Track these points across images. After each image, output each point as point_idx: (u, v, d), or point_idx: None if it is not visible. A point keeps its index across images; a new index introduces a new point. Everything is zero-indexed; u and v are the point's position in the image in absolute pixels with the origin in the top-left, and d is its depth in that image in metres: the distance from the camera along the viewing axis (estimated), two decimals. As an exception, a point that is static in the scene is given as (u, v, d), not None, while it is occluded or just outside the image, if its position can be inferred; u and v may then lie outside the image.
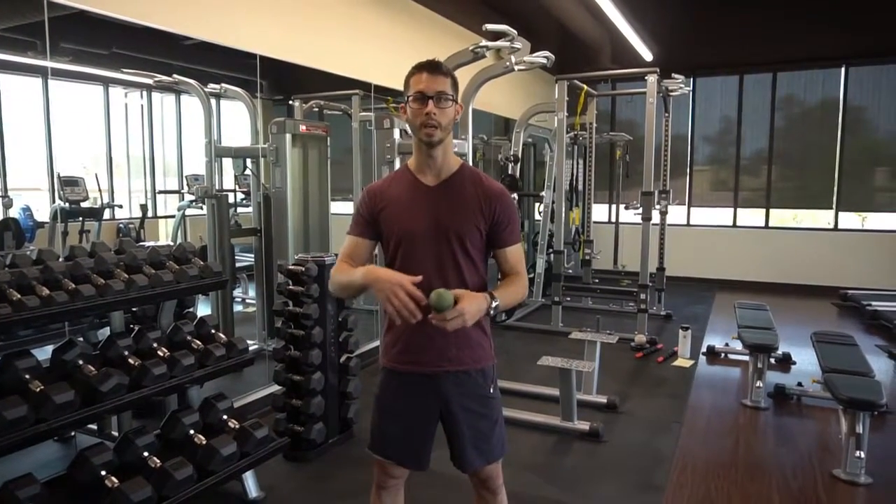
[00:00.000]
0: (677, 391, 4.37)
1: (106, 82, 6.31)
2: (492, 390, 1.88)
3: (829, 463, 3.26)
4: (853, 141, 7.91)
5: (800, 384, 4.30)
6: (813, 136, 8.18)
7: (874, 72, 7.78)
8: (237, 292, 6.64)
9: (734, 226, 8.49)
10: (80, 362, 2.46)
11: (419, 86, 1.74)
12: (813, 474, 3.19)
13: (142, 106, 8.24)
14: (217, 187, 4.68)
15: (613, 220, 8.66)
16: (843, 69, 7.80)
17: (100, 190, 7.27)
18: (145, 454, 2.46)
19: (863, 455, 3.09)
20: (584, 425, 3.56)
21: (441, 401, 1.82)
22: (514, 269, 1.83)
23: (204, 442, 2.60)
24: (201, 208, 5.55)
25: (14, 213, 6.69)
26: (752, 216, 8.51)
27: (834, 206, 8.00)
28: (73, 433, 3.43)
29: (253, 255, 5.13)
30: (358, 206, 1.87)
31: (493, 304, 1.69)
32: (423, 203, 1.79)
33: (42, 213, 7.08)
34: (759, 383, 4.10)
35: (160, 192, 8.37)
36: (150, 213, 8.25)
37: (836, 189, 7.96)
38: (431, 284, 1.67)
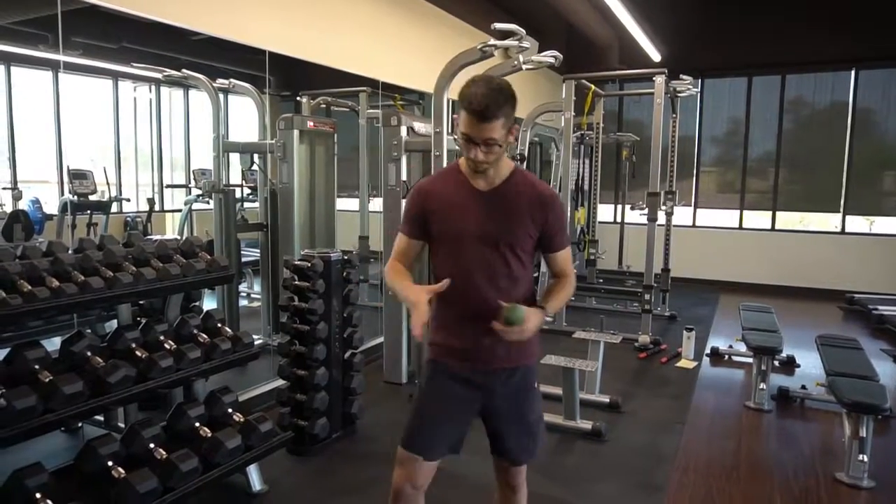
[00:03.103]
0: (680, 392, 4.37)
1: (115, 76, 6.36)
2: (535, 386, 1.96)
3: (832, 466, 3.26)
4: (861, 144, 7.88)
5: (803, 387, 4.29)
6: (821, 139, 8.14)
7: (884, 75, 7.74)
8: (243, 287, 6.68)
9: (740, 228, 8.47)
10: (89, 354, 2.48)
11: (467, 129, 1.71)
12: (815, 477, 3.19)
13: (150, 100, 8.28)
14: (224, 182, 4.70)
15: (619, 220, 8.64)
16: (853, 72, 7.76)
17: (108, 183, 7.31)
18: (151, 446, 2.48)
19: (866, 459, 3.09)
20: (586, 424, 3.56)
21: (488, 396, 1.85)
22: (563, 271, 1.90)
23: (209, 435, 2.63)
24: (208, 203, 5.58)
25: (23, 205, 6.75)
26: (758, 219, 8.48)
27: (841, 210, 7.97)
28: (80, 424, 3.46)
29: (259, 251, 5.16)
30: (408, 204, 1.90)
31: (549, 319, 1.79)
32: (474, 208, 1.80)
33: (51, 206, 7.13)
34: (762, 385, 4.10)
35: (167, 186, 8.41)
36: (157, 207, 8.30)
37: (843, 192, 7.93)
38: (480, 287, 1.77)
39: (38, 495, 2.14)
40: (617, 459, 3.33)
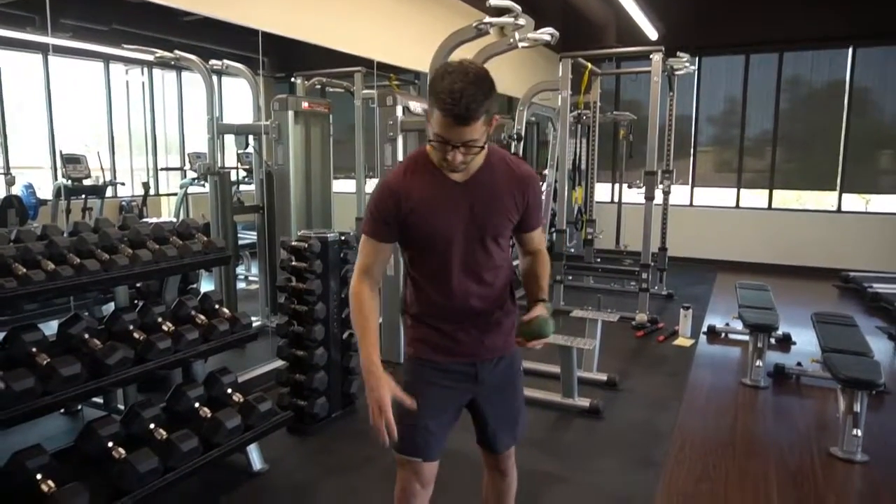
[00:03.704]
0: (677, 370, 4.40)
1: (106, 59, 6.28)
2: (520, 373, 1.93)
3: (827, 441, 3.29)
4: (859, 123, 7.85)
5: (799, 364, 4.32)
6: (818, 118, 8.12)
7: (882, 53, 7.68)
8: (240, 270, 6.67)
9: (737, 207, 8.48)
10: (86, 336, 2.48)
11: (443, 132, 1.51)
12: (810, 452, 3.23)
13: (143, 83, 8.20)
14: (219, 165, 4.67)
15: (616, 200, 8.64)
16: (850, 50, 7.71)
17: (102, 168, 7.27)
18: (151, 426, 2.49)
19: (860, 433, 3.12)
20: (584, 402, 3.59)
21: (476, 386, 1.79)
22: (537, 248, 1.85)
23: (209, 415, 2.64)
24: (204, 186, 5.55)
25: (17, 190, 6.70)
26: (755, 198, 8.48)
27: (838, 188, 7.97)
28: (79, 407, 3.48)
29: (255, 233, 5.15)
30: (376, 205, 1.65)
31: (550, 308, 1.76)
32: (454, 203, 1.64)
33: (45, 191, 7.09)
34: (758, 362, 4.13)
35: (163, 169, 8.35)
36: (152, 191, 8.26)
37: (840, 171, 7.92)
38: (463, 283, 1.69)
39: (38, 476, 2.14)
40: (614, 436, 3.36)
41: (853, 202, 8.15)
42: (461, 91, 1.45)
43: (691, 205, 8.69)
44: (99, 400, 3.36)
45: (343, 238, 3.43)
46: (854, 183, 7.98)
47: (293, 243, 3.28)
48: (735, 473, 3.00)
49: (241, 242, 6.43)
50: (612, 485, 2.85)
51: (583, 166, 7.24)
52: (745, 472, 3.01)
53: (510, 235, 1.79)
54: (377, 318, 1.73)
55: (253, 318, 3.16)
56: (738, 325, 5.20)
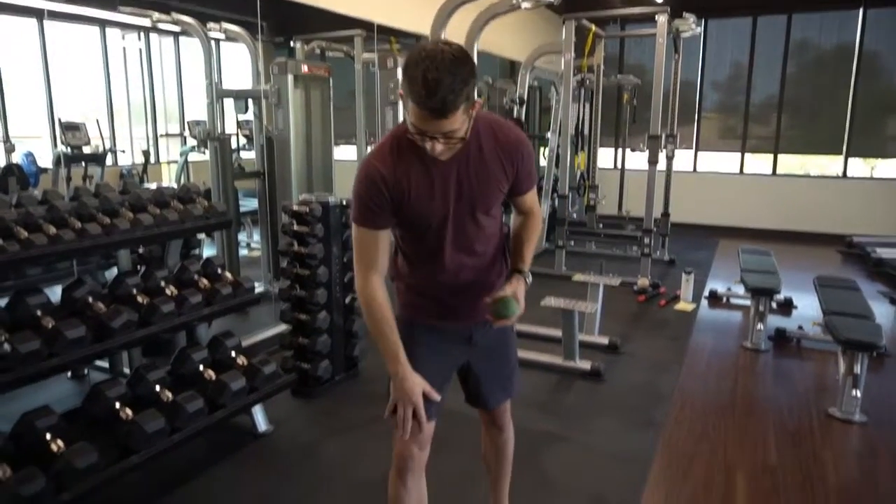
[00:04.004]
0: (678, 334, 4.42)
1: (102, 24, 6.19)
2: (513, 332, 1.92)
3: (826, 403, 3.32)
4: (867, 86, 7.74)
5: (800, 328, 4.34)
6: (825, 82, 8.00)
7: (893, 14, 7.53)
8: (242, 237, 6.68)
9: (741, 173, 8.42)
10: (90, 300, 2.49)
11: (420, 124, 1.41)
12: (809, 413, 3.26)
13: (140, 49, 8.09)
14: (219, 130, 4.63)
15: (619, 166, 8.58)
16: (860, 11, 7.56)
17: (101, 135, 7.23)
18: (157, 388, 2.52)
19: (859, 395, 3.15)
20: (585, 364, 3.62)
21: (470, 348, 1.80)
22: (530, 209, 1.79)
23: (214, 377, 2.67)
24: (204, 153, 5.52)
25: (17, 158, 6.67)
26: (759, 163, 8.42)
27: (844, 153, 7.90)
28: (86, 371, 3.52)
29: (257, 200, 5.13)
30: (367, 194, 1.54)
31: (529, 280, 1.72)
32: (442, 184, 1.56)
33: (45, 160, 7.06)
34: (759, 326, 4.14)
35: (162, 135, 8.29)
36: (152, 159, 8.22)
37: (846, 135, 7.84)
38: (455, 257, 1.66)
39: (48, 436, 2.18)
40: (615, 398, 3.39)
41: (858, 168, 8.08)
42: (436, 81, 1.33)
43: (695, 171, 8.63)
44: (105, 364, 3.40)
45: (344, 203, 3.41)
46: (860, 148, 7.90)
47: (294, 207, 3.27)
48: (734, 434, 3.04)
49: (242, 210, 6.43)
50: (612, 444, 2.89)
51: (585, 131, 7.18)
52: (745, 432, 3.05)
53: (502, 202, 1.74)
54: (390, 310, 1.63)
55: (255, 285, 3.17)
56: (740, 290, 5.21)
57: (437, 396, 1.65)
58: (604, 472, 2.66)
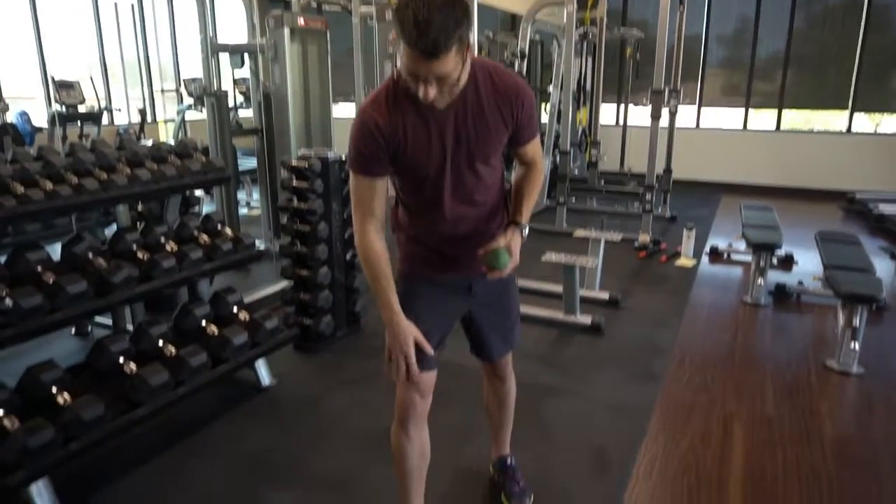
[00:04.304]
0: (679, 289, 4.43)
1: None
2: (515, 281, 1.92)
3: (824, 356, 3.35)
4: (875, 40, 7.56)
5: (800, 283, 4.35)
6: (833, 37, 7.81)
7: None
8: (241, 196, 6.65)
9: (744, 129, 8.31)
10: (90, 255, 2.49)
11: (412, 66, 1.37)
12: (807, 365, 3.29)
13: (132, 6, 7.91)
14: (215, 86, 4.55)
15: (621, 122, 8.48)
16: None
17: (96, 94, 7.12)
18: (160, 343, 2.54)
19: (857, 347, 3.17)
20: (586, 319, 3.64)
21: (471, 299, 1.80)
22: (532, 160, 1.76)
23: (216, 332, 2.68)
24: (201, 111, 5.44)
25: (11, 118, 6.59)
26: (763, 120, 8.31)
27: (849, 108, 7.78)
28: (90, 328, 3.54)
29: (256, 159, 5.08)
30: (363, 143, 1.53)
31: (525, 232, 1.71)
32: (439, 133, 1.54)
33: (40, 120, 6.98)
34: (760, 281, 4.15)
35: (159, 90, 8.16)
36: (149, 118, 8.12)
37: (853, 89, 7.71)
38: (455, 208, 1.64)
39: (53, 389, 2.20)
40: (615, 351, 3.42)
41: (863, 124, 7.97)
42: (427, 21, 1.29)
43: (697, 127, 8.52)
44: (107, 321, 3.41)
45: (344, 158, 3.38)
46: (867, 103, 7.78)
47: (293, 163, 3.23)
48: (732, 386, 3.07)
49: (241, 169, 6.38)
50: (612, 397, 2.92)
51: (588, 86, 7.07)
52: (743, 385, 3.08)
53: (502, 152, 1.72)
54: (387, 259, 1.63)
55: (256, 242, 3.16)
56: (741, 246, 5.21)
57: (429, 349, 1.66)
58: (603, 423, 2.70)
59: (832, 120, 8.28)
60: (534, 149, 1.76)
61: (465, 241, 1.70)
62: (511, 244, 1.62)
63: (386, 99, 1.53)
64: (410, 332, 1.62)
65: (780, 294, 4.27)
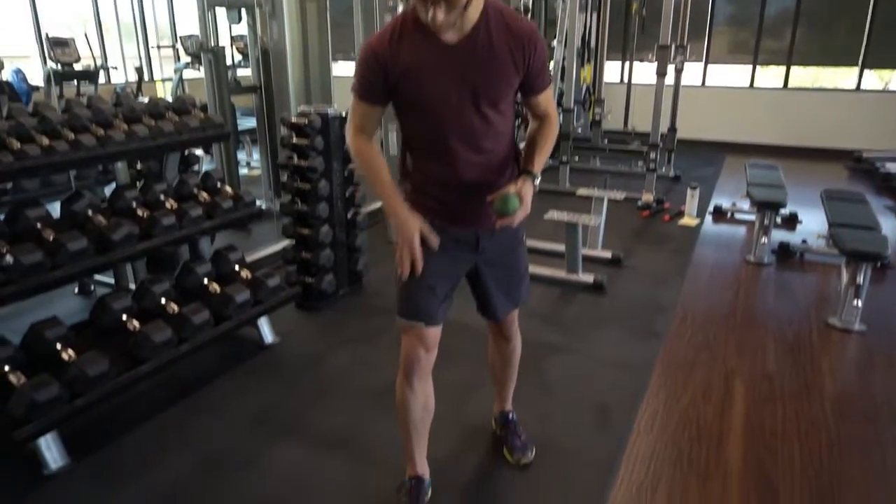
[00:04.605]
0: (682, 248, 4.42)
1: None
2: (523, 235, 1.90)
3: (826, 314, 3.35)
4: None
5: (804, 242, 4.33)
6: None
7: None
8: (241, 156, 6.59)
9: (751, 87, 8.16)
10: (90, 213, 2.47)
11: None
12: (808, 323, 3.29)
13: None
14: (212, 42, 4.46)
15: (626, 80, 8.33)
16: None
17: (91, 52, 7.00)
18: (163, 301, 2.54)
19: (860, 304, 3.17)
20: (588, 277, 3.63)
21: (477, 255, 1.78)
22: (545, 112, 1.74)
23: (218, 290, 2.68)
24: (199, 69, 5.34)
25: (6, 76, 6.49)
26: (771, 77, 8.15)
27: (859, 65, 7.62)
28: (92, 287, 3.55)
29: (255, 119, 5.02)
30: (364, 70, 1.57)
31: (537, 182, 1.69)
32: (447, 67, 1.53)
33: (36, 80, 6.88)
34: (763, 240, 4.13)
35: (154, 47, 8.00)
36: (146, 76, 7.99)
37: (863, 46, 7.53)
38: (461, 152, 1.61)
39: (58, 345, 2.21)
40: (617, 310, 3.43)
41: (873, 82, 7.81)
42: None
43: (703, 85, 8.37)
44: (110, 280, 3.42)
45: (344, 115, 3.32)
46: (877, 59, 7.60)
47: (293, 119, 3.18)
48: (734, 343, 3.08)
49: (240, 129, 6.31)
50: (613, 354, 2.94)
51: (592, 43, 6.92)
52: (744, 342, 3.09)
53: (513, 101, 1.69)
54: (383, 161, 1.70)
55: (257, 201, 3.13)
56: (745, 205, 5.18)
57: (435, 242, 1.67)
58: (605, 380, 2.72)
59: (839, 79, 8.11)
60: (546, 100, 1.73)
61: (472, 190, 1.67)
62: (522, 191, 1.60)
63: (392, 32, 1.56)
64: (416, 225, 1.65)
65: (784, 253, 4.26)
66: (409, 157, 1.74)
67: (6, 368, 2.09)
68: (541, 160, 1.72)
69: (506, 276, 1.87)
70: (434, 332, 1.75)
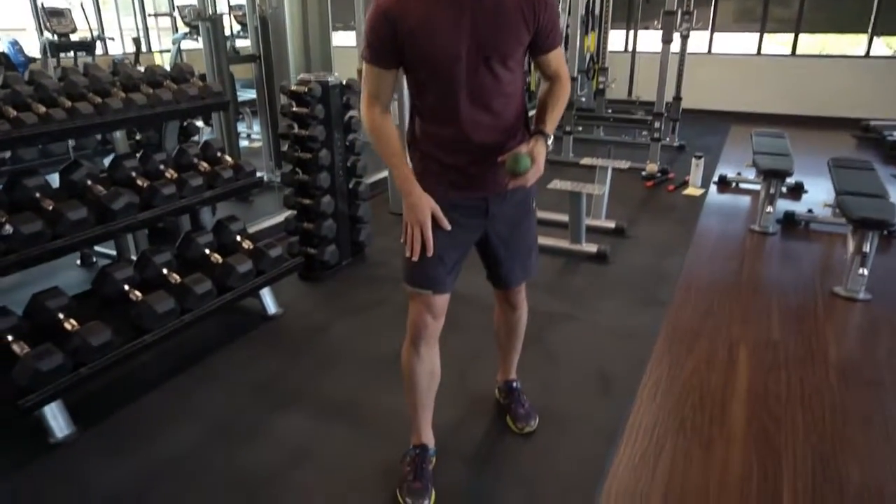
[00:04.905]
0: (686, 217, 4.39)
1: None
2: (534, 205, 1.88)
3: (831, 282, 3.33)
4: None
5: (810, 211, 4.29)
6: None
7: None
8: (242, 128, 6.53)
9: (758, 54, 8.03)
10: (89, 182, 2.45)
11: None
12: (813, 292, 3.28)
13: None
14: (210, 10, 4.38)
15: (630, 49, 8.20)
16: None
17: (88, 23, 6.89)
18: (165, 271, 2.53)
19: (866, 273, 3.15)
20: (591, 247, 3.61)
21: (487, 221, 1.75)
22: (556, 72, 1.71)
23: (220, 260, 2.67)
24: (197, 40, 5.26)
25: (2, 47, 6.41)
26: (778, 45, 8.01)
27: (869, 31, 7.48)
28: (94, 259, 3.54)
29: (255, 91, 4.95)
30: (372, 32, 1.55)
31: (549, 143, 1.65)
32: (455, 23, 1.50)
33: (33, 51, 6.79)
34: (769, 209, 4.09)
35: (151, 14, 7.87)
36: (143, 48, 7.89)
37: (874, 11, 7.38)
38: (471, 112, 1.58)
39: (60, 315, 2.21)
40: (621, 279, 3.41)
41: (881, 49, 7.67)
42: None
43: (709, 52, 8.24)
44: (111, 251, 3.41)
45: (345, 83, 3.27)
46: (888, 25, 7.46)
47: (293, 87, 3.13)
48: (738, 312, 3.07)
49: (240, 100, 6.24)
50: (617, 323, 2.93)
51: (596, 11, 6.79)
52: (749, 310, 3.08)
53: (523, 59, 1.65)
54: (397, 135, 1.65)
55: (258, 173, 3.10)
56: (750, 175, 5.13)
57: (446, 223, 1.65)
58: (609, 348, 2.71)
59: (847, 47, 7.97)
60: (557, 59, 1.71)
61: (481, 153, 1.64)
62: (534, 151, 1.58)
63: None
64: (428, 204, 1.62)
65: (789, 222, 4.22)
66: (417, 121, 1.71)
67: (9, 338, 2.09)
68: (553, 121, 1.69)
69: (516, 243, 1.85)
70: (442, 300, 1.74)
